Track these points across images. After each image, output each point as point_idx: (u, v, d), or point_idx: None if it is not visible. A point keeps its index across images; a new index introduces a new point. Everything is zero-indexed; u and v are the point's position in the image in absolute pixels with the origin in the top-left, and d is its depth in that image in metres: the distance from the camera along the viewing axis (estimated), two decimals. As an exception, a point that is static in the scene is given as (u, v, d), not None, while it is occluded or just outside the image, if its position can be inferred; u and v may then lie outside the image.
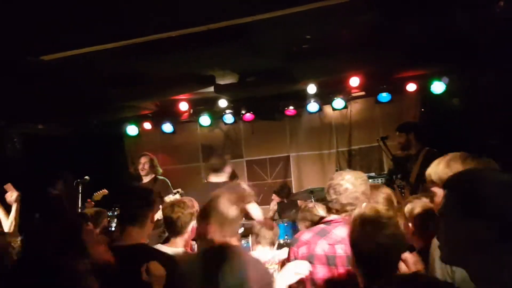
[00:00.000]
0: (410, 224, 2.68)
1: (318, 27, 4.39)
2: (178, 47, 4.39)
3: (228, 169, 4.48)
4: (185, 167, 7.82)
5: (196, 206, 2.96)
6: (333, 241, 2.43)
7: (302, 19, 4.06)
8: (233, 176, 4.89)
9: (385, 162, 6.83)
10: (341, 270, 2.37)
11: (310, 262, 2.37)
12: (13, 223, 3.99)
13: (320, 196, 6.11)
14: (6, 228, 4.04)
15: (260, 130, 7.56)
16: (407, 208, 2.71)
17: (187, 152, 7.75)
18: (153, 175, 5.64)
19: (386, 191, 2.82)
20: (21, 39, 3.96)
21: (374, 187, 2.81)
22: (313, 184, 6.87)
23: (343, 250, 2.38)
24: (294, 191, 7.23)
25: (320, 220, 2.69)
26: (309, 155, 7.50)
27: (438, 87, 6.21)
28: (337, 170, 6.80)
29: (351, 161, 7.23)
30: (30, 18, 3.54)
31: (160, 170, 5.70)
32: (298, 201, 6.77)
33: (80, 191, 6.06)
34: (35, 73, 4.69)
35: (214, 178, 4.41)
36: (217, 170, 4.41)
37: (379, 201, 2.67)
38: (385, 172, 6.41)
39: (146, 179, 5.61)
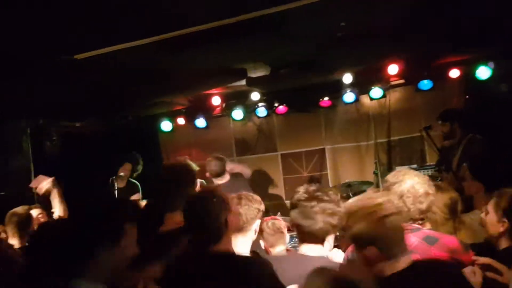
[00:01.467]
0: (497, 220, 2.34)
1: (354, 13, 4.20)
2: (208, 41, 4.31)
3: (228, 168, 4.88)
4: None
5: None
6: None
7: (336, 6, 3.89)
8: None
9: (428, 153, 6.56)
10: None
11: None
12: (62, 207, 4.05)
13: (358, 189, 5.93)
14: (58, 213, 4.10)
15: (294, 122, 7.41)
16: (493, 203, 2.39)
17: (221, 146, 7.69)
18: None
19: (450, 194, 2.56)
20: (54, 39, 3.98)
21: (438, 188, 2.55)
22: (351, 177, 6.68)
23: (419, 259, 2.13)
24: (330, 184, 7.07)
25: None
26: (345, 147, 7.29)
27: (483, 72, 5.86)
28: (375, 163, 6.61)
29: (391, 153, 6.96)
30: (63, 18, 3.54)
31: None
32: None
33: (115, 188, 6.15)
34: (70, 72, 4.74)
35: (218, 181, 4.77)
36: (219, 174, 4.83)
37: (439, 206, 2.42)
38: (428, 163, 6.15)
39: None
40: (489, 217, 2.37)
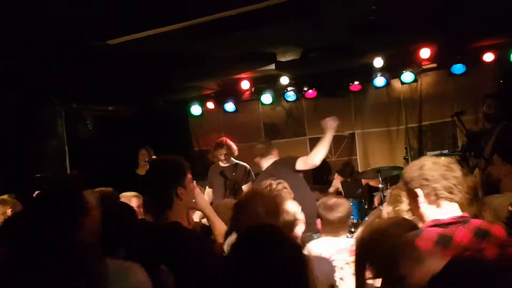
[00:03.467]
0: None
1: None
2: (239, 26, 4.32)
3: (274, 151, 4.71)
4: (248, 146, 7.82)
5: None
6: (461, 250, 1.99)
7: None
8: None
9: (459, 138, 6.43)
10: None
11: None
12: None
13: (388, 175, 5.88)
14: None
15: (323, 107, 7.34)
16: None
17: (250, 130, 7.74)
18: (232, 162, 5.52)
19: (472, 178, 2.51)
20: (88, 25, 4.07)
21: None
22: (380, 162, 6.59)
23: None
24: (360, 169, 7.03)
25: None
26: (375, 132, 7.21)
27: (519, 56, 5.70)
28: (406, 148, 6.52)
29: (422, 138, 6.85)
30: (96, 4, 3.61)
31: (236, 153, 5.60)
32: (363, 180, 6.58)
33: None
34: (102, 57, 4.84)
35: (265, 163, 4.62)
36: (264, 154, 4.66)
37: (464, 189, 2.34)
38: (459, 149, 6.03)
39: (225, 165, 5.50)
40: None
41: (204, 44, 5.02)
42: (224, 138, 5.65)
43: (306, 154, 7.44)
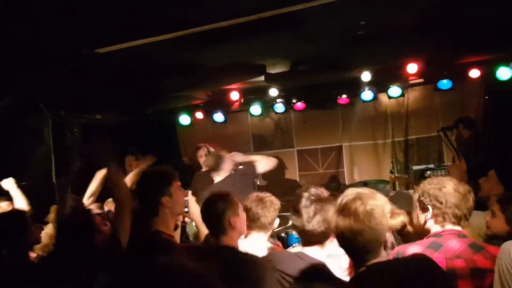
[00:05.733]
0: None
1: (373, 12, 4.19)
2: (229, 37, 4.34)
3: (227, 166, 4.52)
4: (236, 157, 7.84)
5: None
6: (451, 255, 2.16)
7: (356, 4, 3.89)
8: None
9: (445, 153, 6.50)
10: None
11: None
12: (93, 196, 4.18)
13: (374, 188, 5.90)
14: (85, 199, 4.21)
15: (311, 119, 7.41)
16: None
17: (238, 141, 7.74)
18: None
19: None
20: (77, 33, 4.06)
21: None
22: (367, 175, 6.65)
23: (463, 264, 2.14)
24: (347, 182, 7.06)
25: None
26: (362, 145, 7.26)
27: (504, 73, 5.79)
28: (392, 162, 6.56)
29: (408, 152, 6.92)
30: (84, 13, 3.61)
31: None
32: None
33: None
34: (91, 65, 4.82)
35: (217, 178, 4.49)
36: (214, 169, 4.52)
37: None
38: (445, 163, 6.10)
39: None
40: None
41: (194, 54, 5.03)
42: (204, 143, 5.73)
43: (294, 165, 7.55)
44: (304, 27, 4.32)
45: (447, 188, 2.23)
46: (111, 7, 3.54)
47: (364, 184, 5.78)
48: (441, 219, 2.24)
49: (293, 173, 7.61)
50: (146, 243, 2.44)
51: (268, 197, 2.92)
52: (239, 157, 4.75)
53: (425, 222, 2.30)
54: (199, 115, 7.66)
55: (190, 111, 7.66)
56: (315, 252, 2.33)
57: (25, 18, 3.56)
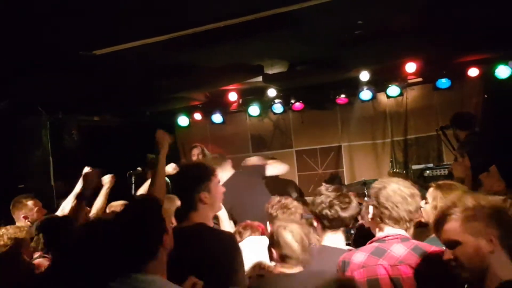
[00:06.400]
0: None
1: (371, 11, 4.18)
2: (226, 38, 4.33)
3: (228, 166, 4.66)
4: (235, 158, 7.80)
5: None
6: (395, 261, 2.15)
7: (353, 3, 3.88)
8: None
9: (445, 152, 6.49)
10: None
11: None
12: (103, 205, 4.18)
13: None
14: (97, 209, 4.20)
15: (310, 119, 7.39)
16: None
17: (237, 142, 7.73)
18: None
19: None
20: (74, 35, 4.05)
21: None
22: (367, 175, 6.63)
23: (408, 270, 2.12)
24: (346, 182, 7.04)
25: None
26: (361, 145, 7.25)
27: (503, 71, 5.77)
28: (391, 161, 6.55)
29: (407, 151, 6.90)
30: (82, 15, 3.59)
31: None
32: (350, 193, 6.58)
33: (133, 182, 6.21)
34: (88, 67, 4.81)
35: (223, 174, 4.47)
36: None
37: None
38: (444, 163, 6.09)
39: None
40: None
41: (192, 55, 5.02)
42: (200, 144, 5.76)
43: (293, 166, 7.54)
44: (302, 27, 4.31)
45: (388, 188, 2.20)
46: (108, 8, 3.53)
47: (364, 183, 5.76)
48: (378, 220, 2.23)
49: (292, 173, 7.57)
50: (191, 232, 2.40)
51: (291, 203, 3.06)
52: (257, 160, 4.85)
53: (369, 222, 2.36)
54: (198, 116, 7.65)
55: (189, 112, 7.64)
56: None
57: (23, 20, 3.55)
